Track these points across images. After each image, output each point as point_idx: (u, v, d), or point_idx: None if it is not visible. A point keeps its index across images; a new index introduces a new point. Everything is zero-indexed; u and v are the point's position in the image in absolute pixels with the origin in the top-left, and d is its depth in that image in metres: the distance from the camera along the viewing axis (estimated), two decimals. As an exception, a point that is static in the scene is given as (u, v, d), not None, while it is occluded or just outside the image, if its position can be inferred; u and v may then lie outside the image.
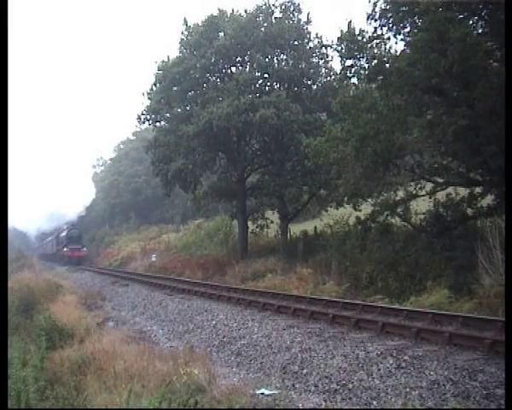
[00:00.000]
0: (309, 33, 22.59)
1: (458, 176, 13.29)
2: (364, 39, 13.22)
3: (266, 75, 22.42)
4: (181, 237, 35.74)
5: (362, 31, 13.34)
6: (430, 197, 14.12)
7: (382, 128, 12.62)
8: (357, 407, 6.24)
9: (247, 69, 22.25)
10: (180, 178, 23.26)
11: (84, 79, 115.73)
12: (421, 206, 14.67)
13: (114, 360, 7.99)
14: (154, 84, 24.54)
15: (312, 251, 18.31)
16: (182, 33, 23.85)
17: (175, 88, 23.61)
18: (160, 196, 38.46)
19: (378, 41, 13.23)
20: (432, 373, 6.54)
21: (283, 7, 22.79)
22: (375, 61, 12.83)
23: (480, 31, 12.07)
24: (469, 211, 13.63)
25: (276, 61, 22.80)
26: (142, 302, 17.75)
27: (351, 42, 13.26)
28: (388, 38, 13.19)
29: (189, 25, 23.80)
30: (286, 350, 8.76)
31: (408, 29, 12.76)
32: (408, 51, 12.56)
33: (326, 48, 20.96)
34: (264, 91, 22.14)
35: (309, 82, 22.44)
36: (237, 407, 6.18)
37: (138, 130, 47.71)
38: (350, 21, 13.65)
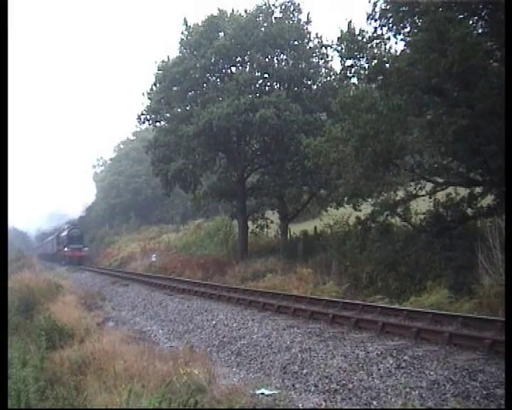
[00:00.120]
0: (309, 33, 22.58)
1: (458, 176, 13.29)
2: (364, 39, 13.22)
3: (266, 75, 22.42)
4: (181, 237, 35.75)
5: (362, 31, 13.35)
6: (430, 197, 14.12)
7: (382, 128, 12.61)
8: (357, 407, 6.24)
9: (247, 69, 22.24)
10: (180, 178, 23.26)
11: (84, 79, 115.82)
12: (421, 206, 14.67)
13: (114, 360, 7.99)
14: (154, 84, 24.55)
15: (312, 251, 18.31)
16: (182, 33, 23.87)
17: (175, 88, 23.61)
18: (160, 196, 38.46)
19: (378, 41, 13.23)
20: (432, 373, 6.54)
21: (283, 7, 22.78)
22: (375, 61, 12.83)
23: (480, 31, 12.08)
24: (469, 211, 13.63)
25: (276, 61, 22.79)
26: (142, 302, 17.75)
27: (351, 42, 13.26)
28: (388, 38, 13.21)
29: (189, 25, 23.80)
30: (286, 350, 8.76)
31: (408, 29, 12.77)
32: (408, 51, 12.56)
33: (326, 48, 21.00)
34: (264, 91, 22.13)
35: (309, 82, 22.44)
36: (237, 407, 6.18)
37: (138, 130, 47.80)
38: (350, 21, 13.68)
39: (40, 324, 10.99)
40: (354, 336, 8.93)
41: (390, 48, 13.45)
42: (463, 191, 13.90)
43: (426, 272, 12.32)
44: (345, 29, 13.57)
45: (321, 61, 22.44)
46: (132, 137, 61.26)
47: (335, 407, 6.38)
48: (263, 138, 22.70)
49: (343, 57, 13.79)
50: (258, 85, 22.82)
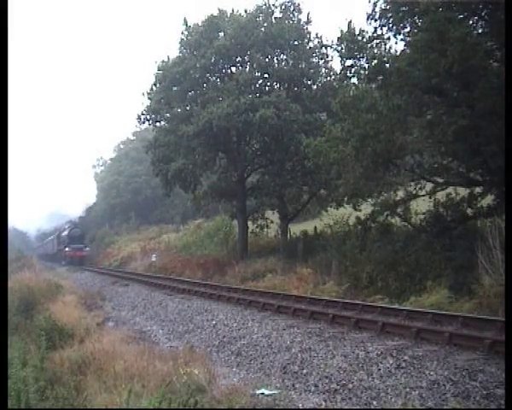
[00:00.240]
0: (309, 33, 22.58)
1: (458, 176, 13.30)
2: (364, 39, 13.22)
3: (266, 75, 22.42)
4: (181, 237, 35.75)
5: (362, 31, 13.35)
6: (430, 197, 14.13)
7: (382, 128, 12.61)
8: (357, 407, 6.24)
9: (247, 69, 22.25)
10: (180, 178, 23.27)
11: (84, 79, 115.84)
12: (421, 206, 14.67)
13: (114, 360, 7.99)
14: (154, 85, 24.55)
15: (312, 251, 18.31)
16: (182, 33, 23.87)
17: (175, 88, 23.61)
18: (160, 196, 38.46)
19: (378, 41, 13.23)
20: (432, 373, 6.54)
21: (283, 7, 22.78)
22: (375, 61, 12.82)
23: (480, 31, 12.08)
24: (469, 211, 13.64)
25: (276, 61, 22.79)
26: (142, 302, 17.75)
27: (351, 42, 13.26)
28: (388, 38, 13.21)
29: (189, 25, 23.80)
30: (286, 350, 8.76)
31: (408, 29, 12.77)
32: (408, 51, 12.56)
33: (326, 48, 21.01)
34: (264, 91, 22.14)
35: (309, 82, 22.43)
36: (237, 407, 6.19)
37: (138, 130, 47.73)
38: (350, 21, 13.67)
39: (40, 324, 10.98)
40: (354, 336, 8.93)
41: (390, 48, 13.49)
42: (463, 191, 13.91)
43: (426, 272, 12.31)
44: (345, 29, 13.59)
45: (321, 61, 22.44)
46: (132, 137, 61.29)
47: (335, 407, 6.38)
48: (263, 138, 22.69)
49: (343, 57, 13.79)
50: (258, 85, 22.83)
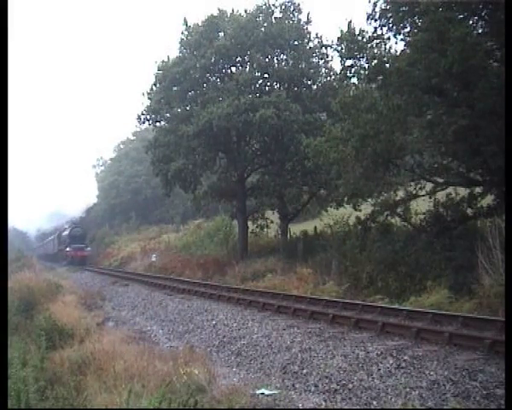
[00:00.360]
0: (309, 33, 22.59)
1: (458, 176, 13.30)
2: (364, 39, 13.22)
3: (266, 75, 22.42)
4: (181, 237, 35.73)
5: (362, 31, 13.35)
6: (430, 197, 14.13)
7: (382, 128, 12.61)
8: (357, 407, 6.24)
9: (247, 69, 22.25)
10: (180, 178, 23.26)
11: (84, 79, 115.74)
12: (421, 206, 14.67)
13: (114, 360, 7.99)
14: (154, 84, 24.55)
15: (312, 251, 18.31)
16: (182, 33, 23.89)
17: (175, 88, 23.62)
18: (160, 196, 38.42)
19: (378, 41, 13.23)
20: (432, 373, 6.54)
21: (283, 7, 22.79)
22: (375, 61, 12.83)
23: (480, 31, 12.08)
24: (469, 211, 13.64)
25: (276, 61, 22.80)
26: (142, 302, 17.76)
27: (351, 42, 13.26)
28: (388, 38, 13.22)
29: (189, 25, 23.82)
30: (286, 350, 8.76)
31: (408, 29, 12.77)
32: (408, 51, 12.56)
33: (326, 48, 20.99)
34: (264, 91, 22.14)
35: (309, 82, 22.44)
36: (237, 407, 6.19)
37: (138, 130, 47.69)
38: (350, 21, 13.68)
39: (40, 324, 10.98)
40: (354, 336, 8.93)
41: (390, 48, 13.50)
42: (463, 191, 13.91)
43: (426, 272, 12.31)
44: (345, 29, 13.59)
45: (321, 61, 22.45)
46: (132, 137, 61.24)
47: (335, 407, 6.38)
48: (263, 138, 22.70)
49: (343, 57, 13.79)
50: (258, 85, 22.83)
